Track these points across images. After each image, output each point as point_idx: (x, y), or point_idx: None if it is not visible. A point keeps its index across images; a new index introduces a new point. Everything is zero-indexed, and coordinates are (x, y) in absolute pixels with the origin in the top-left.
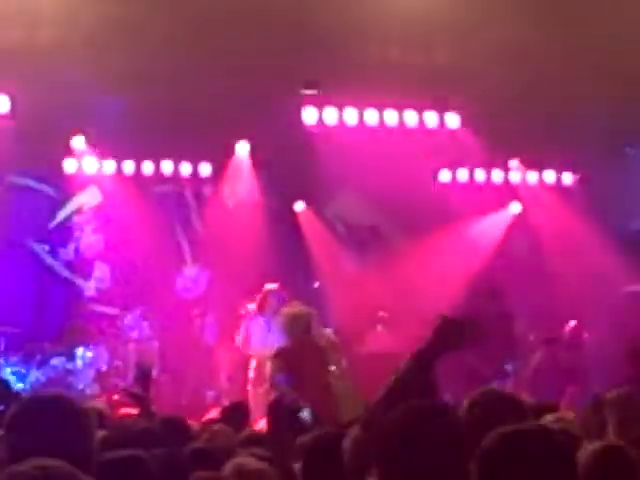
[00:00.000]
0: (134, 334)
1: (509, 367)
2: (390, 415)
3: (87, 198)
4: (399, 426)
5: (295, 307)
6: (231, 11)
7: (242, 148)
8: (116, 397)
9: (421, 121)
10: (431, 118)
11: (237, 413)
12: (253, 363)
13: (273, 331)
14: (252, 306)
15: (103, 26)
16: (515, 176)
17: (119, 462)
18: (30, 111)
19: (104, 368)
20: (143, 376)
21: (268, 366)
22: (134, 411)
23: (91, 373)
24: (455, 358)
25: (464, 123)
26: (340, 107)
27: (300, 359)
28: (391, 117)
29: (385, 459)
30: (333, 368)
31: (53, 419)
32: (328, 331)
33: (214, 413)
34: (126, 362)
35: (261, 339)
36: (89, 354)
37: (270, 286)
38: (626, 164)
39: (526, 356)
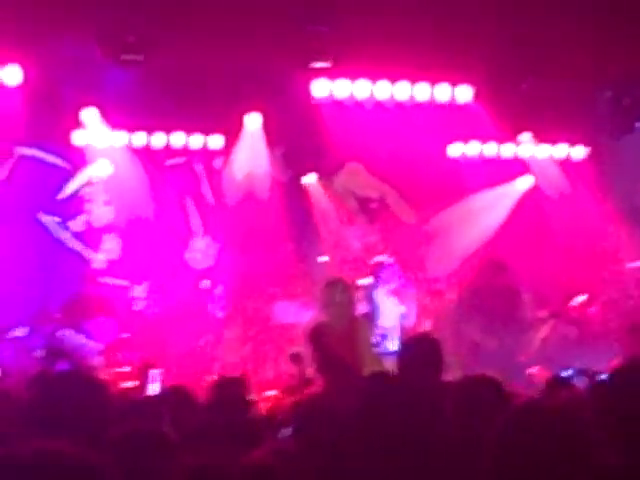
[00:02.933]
0: (142, 306)
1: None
2: None
3: (97, 170)
4: None
5: (336, 281)
6: None
7: (252, 121)
8: (117, 370)
9: (432, 94)
10: (443, 91)
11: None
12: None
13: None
14: (363, 280)
15: None
16: (526, 150)
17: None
18: (41, 83)
19: (111, 340)
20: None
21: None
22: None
23: (99, 345)
24: (460, 332)
25: (476, 97)
26: (351, 80)
27: (339, 334)
28: (402, 90)
29: None
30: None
31: (72, 393)
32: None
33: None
34: (134, 335)
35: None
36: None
37: (380, 258)
38: (636, 139)
39: (533, 330)
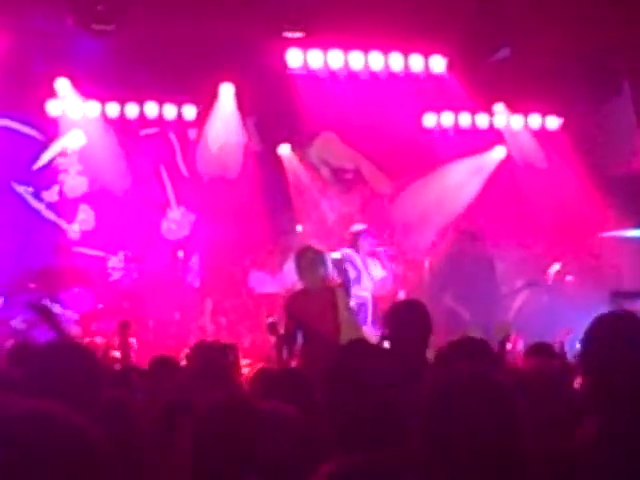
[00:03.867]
0: (118, 276)
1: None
2: None
3: (71, 141)
4: None
5: (308, 249)
6: None
7: (226, 91)
8: (99, 340)
9: (406, 65)
10: (416, 61)
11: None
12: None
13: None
14: (336, 254)
15: None
16: (500, 120)
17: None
18: (12, 53)
19: (87, 311)
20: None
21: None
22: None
23: (74, 315)
24: (435, 301)
25: (449, 67)
26: (325, 50)
27: (314, 300)
28: (376, 60)
29: None
30: (343, 313)
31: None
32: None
33: None
34: (109, 305)
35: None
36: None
37: (358, 227)
38: (610, 109)
39: (508, 299)
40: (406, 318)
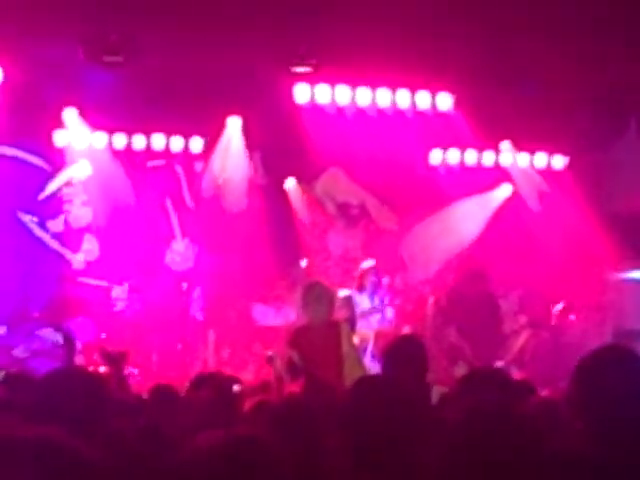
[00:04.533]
0: (121, 307)
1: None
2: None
3: (77, 171)
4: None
5: (316, 283)
6: None
7: (233, 124)
8: (102, 370)
9: (413, 101)
10: (423, 98)
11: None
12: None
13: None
14: (345, 291)
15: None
16: (506, 158)
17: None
18: (22, 83)
19: (90, 340)
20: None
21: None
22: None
23: (77, 345)
24: (439, 337)
25: (456, 105)
26: (332, 85)
27: (317, 335)
28: (383, 97)
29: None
30: (346, 347)
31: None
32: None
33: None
34: (112, 335)
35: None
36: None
37: (367, 264)
38: (618, 147)
39: (511, 337)
40: (403, 354)
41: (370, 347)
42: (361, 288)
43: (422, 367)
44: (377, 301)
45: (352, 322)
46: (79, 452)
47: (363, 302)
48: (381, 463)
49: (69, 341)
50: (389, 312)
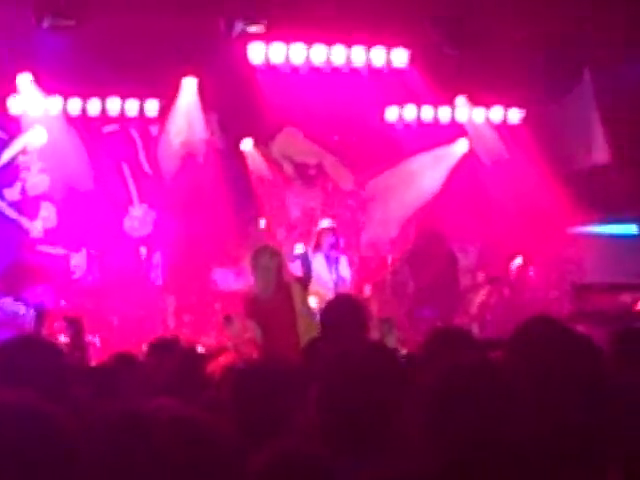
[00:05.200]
0: (80, 274)
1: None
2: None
3: (32, 138)
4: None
5: (267, 245)
6: None
7: (189, 85)
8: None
9: (368, 58)
10: (378, 55)
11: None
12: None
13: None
14: (300, 247)
15: None
16: (462, 113)
17: None
18: None
19: (50, 308)
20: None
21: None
22: None
23: (35, 313)
24: (399, 297)
25: (411, 61)
26: (286, 44)
27: (271, 301)
28: (338, 54)
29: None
30: (299, 307)
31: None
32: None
33: None
34: (72, 302)
35: (323, 275)
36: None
37: (324, 224)
38: (573, 101)
39: (471, 294)
40: (340, 315)
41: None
42: (318, 248)
43: (360, 328)
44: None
45: (306, 279)
46: (56, 416)
47: (319, 262)
48: (343, 420)
49: (39, 313)
50: (347, 272)
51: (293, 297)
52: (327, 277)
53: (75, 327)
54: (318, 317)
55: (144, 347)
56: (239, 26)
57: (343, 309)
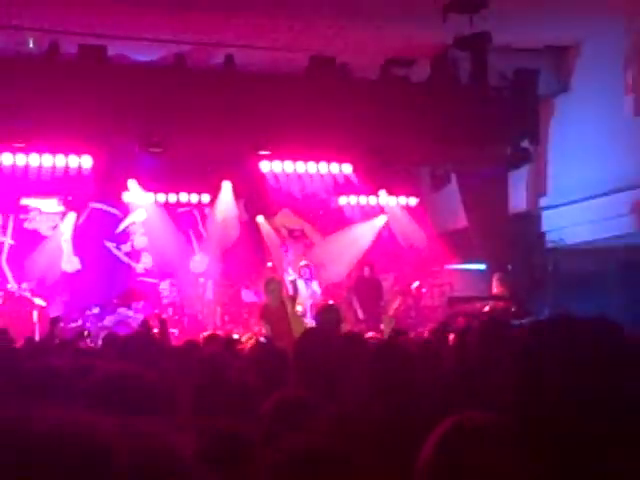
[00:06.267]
0: (166, 294)
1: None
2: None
3: (137, 216)
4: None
5: (272, 278)
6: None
7: (226, 185)
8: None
9: (328, 169)
10: (335, 167)
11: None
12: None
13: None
14: (291, 276)
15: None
16: (382, 200)
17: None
18: (103, 165)
19: (147, 314)
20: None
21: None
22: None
23: (140, 317)
24: (348, 304)
25: (354, 170)
26: (282, 161)
27: (275, 309)
28: (312, 167)
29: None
30: (291, 312)
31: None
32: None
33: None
34: (160, 311)
35: (303, 293)
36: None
37: (303, 263)
38: (446, 192)
39: (389, 303)
40: (327, 314)
41: (308, 312)
42: (301, 276)
43: (338, 320)
44: (312, 285)
45: (294, 296)
46: (154, 381)
47: (301, 285)
48: (322, 385)
49: (144, 319)
50: (318, 290)
51: (287, 307)
52: (305, 294)
53: (163, 325)
54: (303, 318)
55: (202, 336)
56: (255, 151)
57: (329, 311)
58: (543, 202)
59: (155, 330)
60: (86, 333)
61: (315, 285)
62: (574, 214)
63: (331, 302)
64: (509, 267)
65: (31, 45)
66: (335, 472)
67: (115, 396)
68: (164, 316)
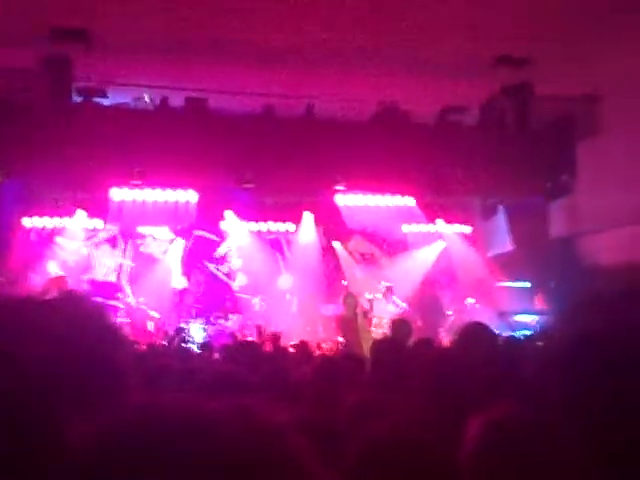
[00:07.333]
0: (257, 308)
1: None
2: None
3: (233, 241)
4: None
5: (350, 293)
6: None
7: (307, 216)
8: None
9: (394, 202)
10: (399, 199)
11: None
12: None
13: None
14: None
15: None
16: (440, 228)
17: None
18: (206, 200)
19: (242, 324)
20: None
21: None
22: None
23: (236, 326)
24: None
25: (417, 203)
26: (355, 193)
27: (349, 320)
28: (379, 199)
29: None
30: (361, 324)
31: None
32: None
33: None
34: (253, 322)
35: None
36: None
37: (384, 284)
38: (494, 221)
39: (447, 317)
40: (399, 326)
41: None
42: (384, 295)
43: (409, 332)
44: (395, 302)
45: (367, 312)
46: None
47: (382, 302)
48: (393, 386)
49: (259, 329)
50: (402, 304)
51: (358, 319)
52: (393, 309)
53: (275, 337)
54: (372, 332)
55: (290, 344)
56: (332, 186)
57: (405, 324)
58: (579, 228)
59: (250, 338)
60: (190, 339)
61: (398, 300)
62: (606, 239)
63: (402, 316)
64: (552, 284)
65: (146, 99)
66: (417, 457)
67: (221, 392)
68: (268, 329)
